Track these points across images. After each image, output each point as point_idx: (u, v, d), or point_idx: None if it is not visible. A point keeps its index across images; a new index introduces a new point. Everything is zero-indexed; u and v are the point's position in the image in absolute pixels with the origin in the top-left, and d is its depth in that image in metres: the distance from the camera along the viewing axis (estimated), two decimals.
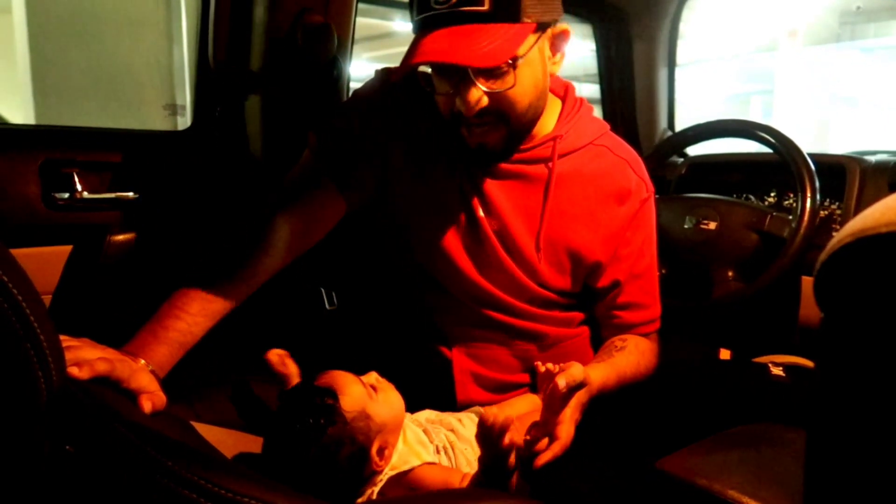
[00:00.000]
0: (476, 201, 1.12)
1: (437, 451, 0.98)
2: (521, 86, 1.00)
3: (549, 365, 0.98)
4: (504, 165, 1.11)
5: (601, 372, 1.05)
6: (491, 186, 1.11)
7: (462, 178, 1.12)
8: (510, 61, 0.95)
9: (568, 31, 1.04)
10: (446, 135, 1.09)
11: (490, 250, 1.12)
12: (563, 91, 1.18)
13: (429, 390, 1.12)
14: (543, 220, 1.11)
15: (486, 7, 0.91)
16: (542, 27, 0.98)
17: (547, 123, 1.13)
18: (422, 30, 0.96)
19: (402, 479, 0.90)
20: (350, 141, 1.13)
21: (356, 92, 1.20)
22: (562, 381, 0.91)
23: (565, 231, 1.12)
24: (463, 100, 0.99)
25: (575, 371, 0.93)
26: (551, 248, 1.13)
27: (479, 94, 0.98)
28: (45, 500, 0.57)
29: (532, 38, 0.97)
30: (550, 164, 1.11)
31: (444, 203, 1.13)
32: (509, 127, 1.04)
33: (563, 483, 1.04)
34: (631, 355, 1.13)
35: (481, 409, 1.07)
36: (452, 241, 1.13)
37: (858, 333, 0.36)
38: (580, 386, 0.94)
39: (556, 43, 1.04)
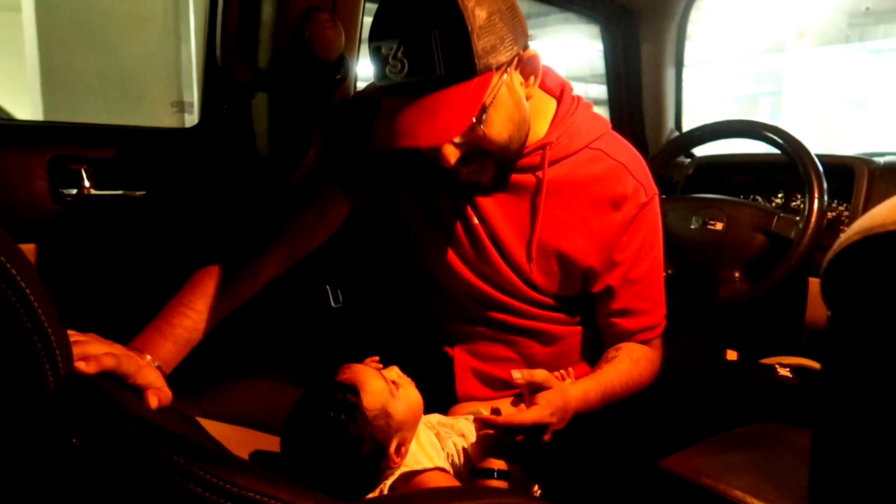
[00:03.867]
0: (470, 210, 1.12)
1: (447, 458, 0.98)
2: (495, 127, 0.97)
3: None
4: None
5: (581, 387, 1.04)
6: (482, 197, 1.11)
7: (455, 186, 1.11)
8: (475, 119, 0.92)
9: (536, 56, 0.99)
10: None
11: (486, 255, 1.12)
12: (560, 91, 1.14)
13: (430, 387, 1.13)
14: (535, 228, 1.10)
15: (438, 73, 0.88)
16: (503, 69, 0.94)
17: (539, 128, 1.10)
18: (383, 96, 0.95)
19: (412, 478, 0.90)
20: (352, 141, 1.13)
21: (358, 93, 1.20)
22: (516, 374, 0.94)
23: (558, 239, 1.11)
24: (438, 160, 0.98)
25: (537, 372, 0.97)
26: (544, 256, 1.12)
27: (451, 151, 0.97)
28: (52, 493, 0.57)
29: (494, 79, 0.92)
30: (540, 173, 1.09)
31: (440, 210, 1.14)
32: (495, 160, 1.02)
33: (568, 482, 1.04)
34: (621, 364, 1.11)
35: (483, 412, 1.08)
36: (450, 246, 1.14)
37: (866, 331, 0.36)
38: (542, 387, 0.97)
39: (527, 69, 0.99)
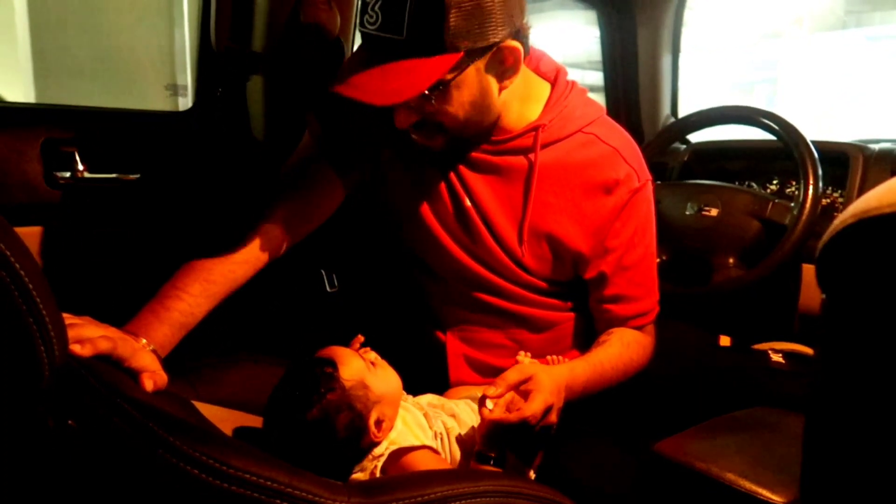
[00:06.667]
0: (462, 192, 1.12)
1: (435, 437, 0.99)
2: (452, 106, 0.98)
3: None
4: (485, 157, 1.10)
5: (567, 365, 1.05)
6: (474, 178, 1.11)
7: (447, 169, 1.12)
8: (428, 91, 0.93)
9: (518, 49, 0.97)
10: None
11: (478, 236, 1.12)
12: (554, 75, 1.13)
13: (423, 372, 1.13)
14: (526, 211, 1.10)
15: (402, 36, 0.89)
16: (475, 53, 0.94)
17: (532, 111, 1.10)
18: (362, 41, 0.97)
19: (401, 457, 0.91)
20: (347, 124, 1.13)
21: None
22: (490, 394, 0.91)
23: (549, 223, 1.11)
24: (394, 118, 1.00)
25: (507, 375, 0.93)
26: (535, 239, 1.12)
27: (404, 114, 0.99)
28: (48, 474, 0.58)
29: (462, 61, 0.92)
30: (532, 156, 1.09)
31: (431, 192, 1.13)
32: (447, 136, 1.03)
33: (563, 465, 1.05)
34: (612, 347, 1.12)
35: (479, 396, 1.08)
36: (440, 227, 1.14)
37: (860, 314, 0.36)
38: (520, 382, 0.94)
39: (504, 58, 0.98)
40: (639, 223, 1.14)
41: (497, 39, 0.94)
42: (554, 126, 1.09)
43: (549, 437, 0.98)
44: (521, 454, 0.98)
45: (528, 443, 0.97)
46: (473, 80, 0.97)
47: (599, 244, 1.12)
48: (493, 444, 0.93)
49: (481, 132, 1.07)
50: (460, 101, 0.98)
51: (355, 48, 0.99)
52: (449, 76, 0.93)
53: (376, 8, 0.90)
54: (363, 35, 0.95)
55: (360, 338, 1.01)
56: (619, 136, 1.15)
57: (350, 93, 0.91)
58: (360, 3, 0.96)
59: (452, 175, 1.12)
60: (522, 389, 0.94)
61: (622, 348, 1.12)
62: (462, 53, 0.91)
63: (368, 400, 0.92)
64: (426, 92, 0.93)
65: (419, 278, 1.24)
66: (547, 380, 0.95)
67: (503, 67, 0.99)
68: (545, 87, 1.13)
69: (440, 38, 0.89)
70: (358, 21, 0.96)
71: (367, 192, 1.18)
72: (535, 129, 1.08)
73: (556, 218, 1.11)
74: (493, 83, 1.00)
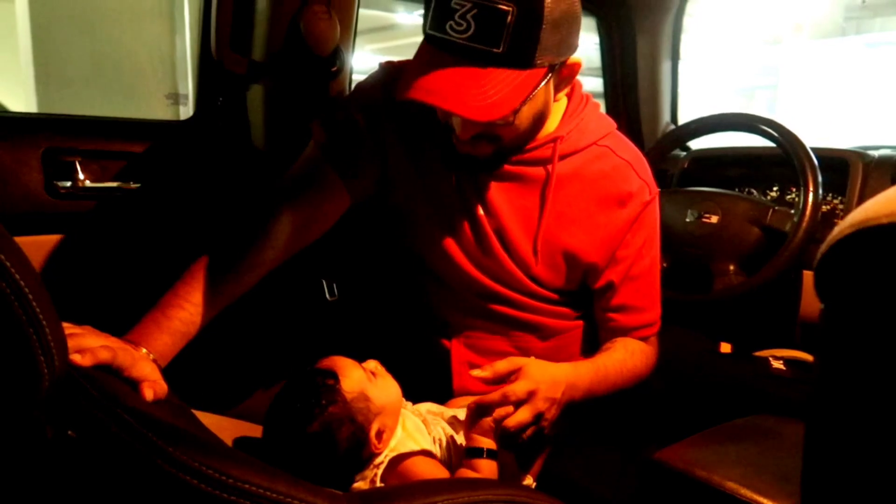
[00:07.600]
0: (475, 200, 1.11)
1: (434, 443, 0.99)
2: (521, 121, 0.99)
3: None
4: (503, 166, 1.10)
5: (572, 363, 1.05)
6: (489, 186, 1.11)
7: (460, 176, 1.12)
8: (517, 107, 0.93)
9: (579, 64, 1.00)
10: (445, 133, 1.09)
11: (489, 247, 1.12)
12: (570, 88, 1.13)
13: (427, 380, 1.13)
14: (542, 222, 1.10)
15: (500, 49, 0.87)
16: (553, 67, 0.95)
17: (550, 123, 1.11)
18: (430, 46, 0.92)
19: (399, 463, 0.91)
20: (353, 132, 1.13)
21: (359, 85, 1.19)
22: (475, 373, 0.93)
23: (563, 234, 1.11)
24: (457, 127, 0.99)
25: (497, 365, 0.95)
26: (548, 250, 1.12)
27: (471, 126, 0.98)
28: (47, 484, 0.58)
29: (543, 77, 0.94)
30: (550, 167, 1.09)
31: (442, 199, 1.13)
32: (501, 146, 1.04)
33: (563, 473, 1.04)
34: (616, 353, 1.13)
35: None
36: (451, 237, 1.14)
37: (858, 324, 0.36)
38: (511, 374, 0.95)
39: (567, 75, 1.01)
40: (648, 235, 1.16)
41: (570, 55, 0.96)
42: (571, 138, 1.10)
43: (543, 435, 0.97)
44: (511, 448, 0.97)
45: (519, 437, 0.95)
46: (542, 95, 0.98)
47: (609, 254, 1.13)
48: (480, 436, 0.93)
49: (527, 142, 1.08)
50: (527, 117, 1.00)
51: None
52: (531, 93, 0.93)
53: (468, 17, 0.87)
54: (439, 41, 0.90)
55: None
56: (631, 150, 1.17)
57: (448, 106, 0.88)
58: (433, 6, 0.90)
59: (465, 183, 1.12)
60: (511, 380, 0.94)
61: (626, 355, 1.13)
62: (546, 69, 0.93)
63: (370, 412, 0.92)
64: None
65: (425, 285, 1.23)
66: (537, 370, 0.96)
67: (560, 79, 1.01)
68: (562, 100, 1.13)
69: (532, 54, 0.89)
70: (429, 25, 0.91)
71: (374, 198, 1.18)
72: (553, 139, 1.09)
73: (570, 229, 1.11)
74: (551, 95, 1.02)
